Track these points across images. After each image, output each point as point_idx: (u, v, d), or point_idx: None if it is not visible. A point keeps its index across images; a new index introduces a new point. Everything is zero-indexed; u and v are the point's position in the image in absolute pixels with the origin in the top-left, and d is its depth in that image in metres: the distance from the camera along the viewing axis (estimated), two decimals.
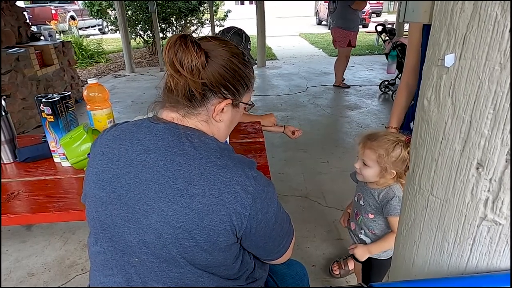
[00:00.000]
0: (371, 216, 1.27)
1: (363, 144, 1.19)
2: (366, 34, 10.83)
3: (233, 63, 0.75)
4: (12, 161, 1.39)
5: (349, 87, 5.37)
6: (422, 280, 0.52)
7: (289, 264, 1.16)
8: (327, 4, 5.80)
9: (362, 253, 1.27)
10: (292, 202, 2.45)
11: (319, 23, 16.04)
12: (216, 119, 0.77)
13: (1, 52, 3.72)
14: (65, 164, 1.34)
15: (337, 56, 5.33)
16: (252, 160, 0.75)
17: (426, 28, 1.21)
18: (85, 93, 1.37)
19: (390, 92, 4.83)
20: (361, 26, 6.16)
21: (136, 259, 0.72)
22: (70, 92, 1.38)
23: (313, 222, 2.22)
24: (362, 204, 1.30)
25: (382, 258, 1.32)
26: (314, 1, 19.29)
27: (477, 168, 0.43)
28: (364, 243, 1.31)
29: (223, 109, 0.76)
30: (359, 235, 1.33)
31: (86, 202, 0.78)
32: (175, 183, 0.67)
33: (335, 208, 2.33)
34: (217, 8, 11.43)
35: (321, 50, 9.05)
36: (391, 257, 1.33)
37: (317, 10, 16.73)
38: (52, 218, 1.09)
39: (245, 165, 0.72)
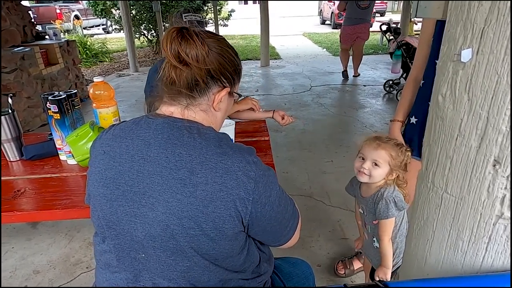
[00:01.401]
0: (375, 222, 1.28)
1: (377, 145, 1.21)
2: (370, 34, 10.78)
3: (229, 53, 0.79)
4: (18, 158, 1.40)
5: (359, 75, 5.97)
6: (437, 279, 0.51)
7: (295, 263, 1.16)
8: (331, 3, 5.95)
9: (384, 275, 1.29)
10: (296, 201, 2.42)
11: (323, 22, 15.99)
12: (216, 108, 0.80)
13: (7, 51, 3.73)
14: (71, 162, 1.34)
15: (341, 49, 5.77)
16: (251, 147, 0.77)
17: (440, 24, 1.19)
18: (91, 91, 1.37)
19: (395, 92, 4.81)
20: None
21: (143, 255, 0.72)
22: (76, 90, 1.38)
23: (317, 222, 2.21)
24: (365, 214, 1.33)
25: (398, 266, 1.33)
26: (317, 1, 19.25)
27: (494, 165, 0.43)
28: (372, 248, 1.33)
29: (221, 98, 0.79)
30: (373, 243, 1.33)
31: (90, 202, 0.79)
32: (177, 174, 0.68)
33: (339, 208, 2.32)
34: (221, 8, 11.43)
35: (324, 49, 9.02)
36: (396, 269, 1.34)
37: (321, 10, 16.67)
38: (58, 216, 1.10)
39: (245, 152, 0.73)
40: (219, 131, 0.78)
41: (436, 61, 1.20)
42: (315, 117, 4.17)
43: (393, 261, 1.30)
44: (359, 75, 5.93)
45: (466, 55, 0.42)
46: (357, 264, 1.79)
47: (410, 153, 1.23)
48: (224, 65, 0.77)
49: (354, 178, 1.34)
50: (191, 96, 0.76)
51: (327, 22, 15.19)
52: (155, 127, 0.73)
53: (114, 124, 0.82)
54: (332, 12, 13.65)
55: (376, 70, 6.58)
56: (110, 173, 0.73)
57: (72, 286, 1.79)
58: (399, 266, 1.32)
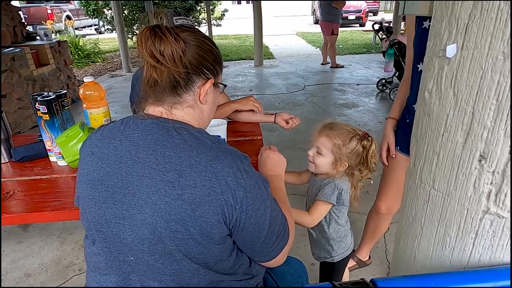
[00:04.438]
0: None
1: (319, 131, 1.16)
2: (363, 33, 10.85)
3: (207, 43, 0.77)
4: (7, 160, 1.38)
5: (343, 66, 6.66)
6: (425, 274, 0.52)
7: (288, 261, 1.15)
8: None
9: None
10: (290, 201, 2.43)
11: (316, 22, 16.01)
12: (202, 102, 0.78)
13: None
14: (61, 163, 1.32)
15: (323, 42, 6.77)
16: (246, 155, 0.75)
17: (417, 24, 1.22)
18: (81, 91, 1.35)
19: (388, 91, 4.84)
20: (358, 25, 8.07)
21: (132, 258, 0.71)
22: (66, 91, 1.36)
23: None
24: (309, 195, 1.27)
25: (329, 261, 1.30)
26: (311, 1, 19.30)
27: (480, 161, 0.43)
28: (312, 236, 1.28)
29: (207, 90, 0.78)
30: (309, 229, 1.29)
31: (79, 204, 0.78)
32: (166, 176, 0.67)
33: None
34: (214, 7, 11.40)
35: (318, 49, 9.04)
36: (347, 256, 1.30)
37: (314, 9, 16.71)
38: (48, 218, 1.08)
39: (237, 158, 0.71)
40: (210, 131, 0.77)
41: (418, 65, 1.24)
42: (309, 116, 4.17)
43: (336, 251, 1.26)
44: (336, 66, 6.63)
45: (451, 50, 0.42)
46: (350, 263, 1.79)
47: (372, 144, 1.13)
48: (204, 56, 0.76)
49: None
50: (176, 94, 0.75)
51: None
52: (144, 127, 0.72)
53: (103, 125, 0.80)
54: None
55: (369, 69, 6.62)
56: (99, 174, 0.72)
57: (66, 287, 1.77)
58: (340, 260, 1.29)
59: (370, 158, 1.14)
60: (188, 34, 0.74)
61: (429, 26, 1.21)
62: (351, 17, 12.90)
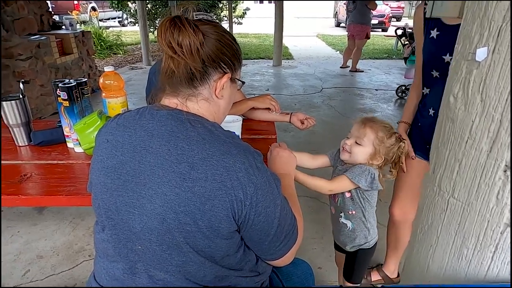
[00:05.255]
0: (348, 195, 1.22)
1: (363, 123, 1.17)
2: (385, 38, 10.67)
3: (227, 38, 0.76)
4: (27, 143, 1.41)
5: (362, 71, 6.54)
6: (438, 285, 0.50)
7: (295, 263, 1.14)
8: (346, 4, 6.31)
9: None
10: (301, 203, 2.40)
11: (338, 25, 15.87)
12: (218, 96, 0.78)
13: (24, 38, 3.79)
14: (78, 149, 1.35)
15: (347, 47, 6.62)
16: (258, 152, 0.75)
17: (425, 32, 1.25)
18: (101, 80, 1.37)
19: (407, 98, 4.74)
20: (380, 30, 8.02)
21: (140, 247, 0.72)
22: (86, 79, 1.39)
23: (321, 224, 2.19)
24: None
25: (366, 247, 1.28)
26: (333, 2, 19.12)
27: (505, 171, 0.41)
28: (346, 227, 1.27)
29: (223, 84, 0.77)
30: (340, 218, 1.28)
31: (92, 190, 0.78)
32: (178, 168, 0.67)
33: None
34: (236, 6, 11.45)
35: (338, 52, 8.96)
36: (375, 245, 1.29)
37: (337, 12, 16.56)
38: (61, 202, 1.10)
39: (250, 154, 0.71)
40: (225, 127, 0.76)
41: (432, 72, 1.25)
42: (325, 119, 4.14)
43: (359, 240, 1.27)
44: (356, 70, 6.50)
45: (481, 54, 0.40)
46: (375, 276, 1.76)
47: (405, 146, 1.18)
48: (222, 50, 0.75)
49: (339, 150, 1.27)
50: (191, 85, 0.75)
51: (342, 24, 15.08)
52: (159, 118, 0.72)
53: (120, 114, 0.81)
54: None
55: (389, 74, 6.51)
56: (112, 162, 0.72)
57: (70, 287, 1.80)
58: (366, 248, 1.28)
59: (401, 159, 1.18)
60: (208, 27, 0.74)
61: (437, 35, 1.23)
62: (374, 21, 12.68)
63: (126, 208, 0.71)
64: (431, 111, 1.31)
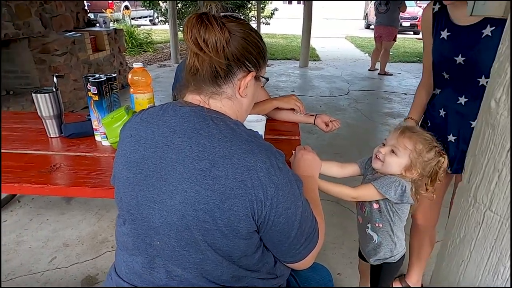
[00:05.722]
0: (375, 206, 1.17)
1: (402, 132, 1.10)
2: (416, 41, 10.35)
3: (253, 36, 0.75)
4: (58, 135, 1.46)
5: (391, 74, 6.43)
6: None
7: (315, 267, 1.12)
8: (376, 5, 6.13)
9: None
10: (322, 206, 2.38)
11: (367, 27, 15.52)
12: (242, 94, 0.77)
13: (60, 35, 3.96)
14: (105, 143, 1.38)
15: (375, 48, 6.53)
16: (281, 152, 0.73)
17: (434, 33, 1.22)
18: (129, 76, 1.40)
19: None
20: (412, 32, 7.92)
21: (158, 242, 0.72)
22: (115, 74, 1.42)
23: (342, 229, 2.14)
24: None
25: (391, 261, 1.23)
26: (364, 3, 18.73)
27: None
28: (372, 239, 1.22)
29: (247, 83, 0.76)
30: (367, 229, 1.23)
31: (115, 183, 0.80)
32: (199, 165, 0.66)
33: None
34: (264, 6, 11.46)
35: (366, 54, 8.76)
36: (402, 258, 1.23)
37: (367, 14, 16.21)
38: (87, 193, 1.13)
39: (272, 154, 0.70)
40: (249, 127, 0.75)
41: (443, 73, 1.22)
42: (350, 122, 4.05)
43: (385, 254, 1.21)
44: (385, 73, 6.40)
45: None
46: (414, 280, 1.70)
47: (445, 161, 1.07)
48: (248, 48, 0.74)
49: (371, 158, 1.21)
50: (215, 84, 0.74)
51: (372, 26, 14.75)
52: (182, 114, 0.72)
53: (144, 109, 0.82)
54: None
55: (418, 79, 6.27)
56: (135, 156, 0.73)
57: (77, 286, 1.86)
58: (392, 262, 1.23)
59: (439, 175, 1.09)
60: (235, 25, 0.73)
61: (447, 36, 1.18)
62: (406, 23, 12.31)
63: (146, 203, 0.71)
64: (442, 112, 1.28)
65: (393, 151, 1.09)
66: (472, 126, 1.21)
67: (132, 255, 0.77)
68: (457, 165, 1.30)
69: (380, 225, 1.18)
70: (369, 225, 1.22)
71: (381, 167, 1.12)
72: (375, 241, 1.21)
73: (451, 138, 1.28)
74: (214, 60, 0.71)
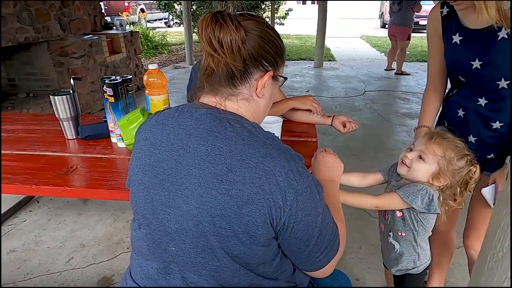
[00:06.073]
0: (399, 214, 1.12)
1: (432, 137, 1.05)
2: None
3: (270, 34, 0.72)
4: (75, 137, 1.47)
5: (408, 74, 6.27)
6: None
7: (334, 274, 1.07)
8: (390, 4, 6.05)
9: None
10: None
11: (383, 26, 15.26)
12: (259, 95, 0.74)
13: (78, 38, 4.04)
14: (121, 145, 1.38)
15: (391, 47, 6.42)
16: (300, 155, 0.70)
17: (445, 39, 1.18)
18: (145, 78, 1.40)
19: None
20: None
21: (173, 248, 0.70)
22: (131, 76, 1.42)
23: (360, 233, 2.09)
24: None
25: (414, 272, 1.17)
26: (379, 2, 18.44)
27: None
28: (393, 249, 1.17)
29: (265, 83, 0.73)
30: (389, 238, 1.18)
31: (130, 187, 0.78)
32: (215, 169, 0.64)
33: None
34: (279, 6, 11.43)
35: (382, 54, 8.61)
36: (425, 270, 1.17)
37: (382, 13, 15.96)
38: (103, 195, 1.13)
39: (291, 158, 0.67)
40: (265, 128, 0.73)
41: (459, 77, 1.18)
42: (367, 123, 3.97)
43: (409, 264, 1.17)
44: (402, 73, 6.26)
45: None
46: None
47: (477, 171, 1.02)
48: (265, 47, 0.71)
49: (396, 165, 1.17)
50: (231, 85, 0.71)
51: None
52: (198, 117, 0.70)
53: (160, 111, 0.80)
54: None
55: None
56: (150, 160, 0.72)
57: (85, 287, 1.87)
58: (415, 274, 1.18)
59: (469, 186, 1.03)
60: (251, 23, 0.70)
61: (460, 41, 1.13)
62: (423, 22, 12.05)
63: (162, 208, 0.69)
64: (460, 112, 1.24)
65: (420, 157, 1.04)
66: (494, 127, 1.16)
67: (148, 260, 0.76)
68: None
69: (403, 234, 1.13)
70: (391, 234, 1.17)
71: (406, 173, 1.07)
72: (397, 250, 1.17)
73: (471, 139, 1.23)
74: (229, 61, 0.68)
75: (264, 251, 0.69)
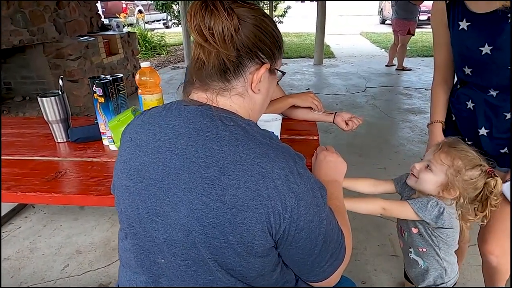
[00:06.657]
0: (414, 230, 1.08)
1: (440, 146, 1.01)
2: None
3: (266, 23, 0.66)
4: (65, 140, 1.41)
5: (410, 69, 6.18)
6: None
7: (339, 280, 1.02)
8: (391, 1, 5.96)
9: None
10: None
11: (383, 22, 15.16)
12: (255, 90, 0.67)
13: (74, 39, 3.98)
14: (113, 147, 1.32)
15: (393, 43, 6.28)
16: (300, 155, 0.64)
17: (451, 25, 1.13)
18: (137, 77, 1.33)
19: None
20: (429, 26, 7.88)
21: (163, 260, 0.64)
22: (122, 75, 1.36)
23: (365, 233, 2.02)
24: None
25: (453, 284, 1.13)
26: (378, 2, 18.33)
27: None
28: (417, 264, 1.13)
29: (260, 76, 0.66)
30: (409, 254, 1.15)
31: (114, 193, 0.72)
32: (206, 172, 0.57)
33: (391, 221, 2.10)
34: (277, 5, 11.35)
35: (383, 50, 8.53)
36: (455, 284, 1.10)
37: (381, 9, 15.83)
38: (92, 202, 1.06)
39: (290, 158, 0.60)
40: (263, 127, 0.66)
41: (464, 68, 1.12)
42: (369, 119, 3.90)
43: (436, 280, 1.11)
44: (403, 69, 6.16)
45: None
46: None
47: (497, 184, 0.94)
48: (260, 37, 0.64)
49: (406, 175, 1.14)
50: (224, 79, 0.64)
51: (388, 21, 14.39)
52: (187, 115, 0.64)
53: (147, 110, 0.74)
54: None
55: None
56: (135, 163, 0.65)
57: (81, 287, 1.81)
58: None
59: (490, 200, 0.96)
60: (245, 10, 0.63)
61: (468, 26, 1.06)
62: (423, 17, 11.85)
63: (148, 216, 0.63)
64: (470, 104, 1.18)
65: (428, 167, 1.00)
66: (507, 118, 1.10)
67: (135, 273, 0.70)
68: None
69: (424, 250, 1.09)
70: (411, 250, 1.13)
71: (415, 184, 1.03)
72: (421, 266, 1.12)
73: (483, 131, 1.16)
74: (221, 51, 0.61)
75: (263, 262, 0.62)
